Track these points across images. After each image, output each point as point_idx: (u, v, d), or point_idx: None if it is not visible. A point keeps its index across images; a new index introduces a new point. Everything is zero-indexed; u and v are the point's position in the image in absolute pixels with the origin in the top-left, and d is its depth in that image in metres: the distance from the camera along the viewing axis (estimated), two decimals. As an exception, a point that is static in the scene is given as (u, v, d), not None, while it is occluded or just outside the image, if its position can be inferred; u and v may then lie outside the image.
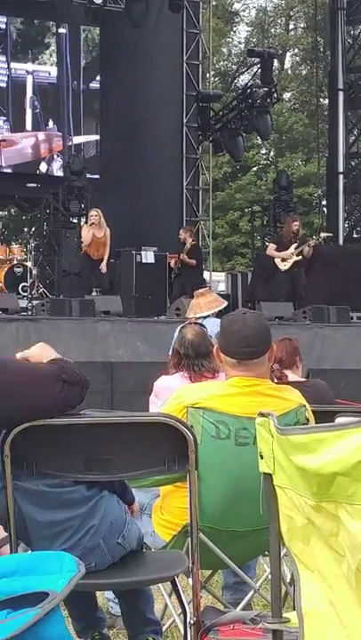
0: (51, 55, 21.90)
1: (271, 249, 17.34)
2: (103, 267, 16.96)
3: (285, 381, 5.61)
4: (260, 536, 3.75)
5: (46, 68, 21.81)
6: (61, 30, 21.60)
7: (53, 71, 21.74)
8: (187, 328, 5.92)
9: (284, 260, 16.87)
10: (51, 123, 21.52)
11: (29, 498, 3.34)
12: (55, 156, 21.56)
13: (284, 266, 16.86)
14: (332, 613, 2.23)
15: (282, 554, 2.54)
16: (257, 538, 3.94)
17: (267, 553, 4.28)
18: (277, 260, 16.95)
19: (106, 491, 3.50)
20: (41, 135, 21.38)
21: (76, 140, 21.66)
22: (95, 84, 22.07)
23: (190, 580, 3.63)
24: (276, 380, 5.50)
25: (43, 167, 21.48)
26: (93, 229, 16.70)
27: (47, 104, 21.51)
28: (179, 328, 6.05)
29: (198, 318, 10.25)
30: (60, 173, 21.26)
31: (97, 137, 22.16)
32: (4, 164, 20.70)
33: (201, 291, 11.74)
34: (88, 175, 19.87)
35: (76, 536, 3.39)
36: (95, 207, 17.56)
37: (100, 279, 17.53)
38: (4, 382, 3.15)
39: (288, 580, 3.90)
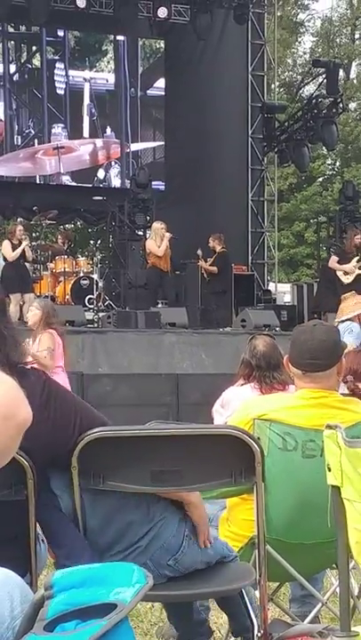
0: (108, 62, 22.06)
1: (333, 262, 17.31)
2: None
3: (358, 393, 5.55)
4: (328, 549, 3.73)
5: (104, 76, 21.94)
6: (119, 37, 21.69)
7: (111, 78, 21.86)
8: (258, 339, 5.86)
9: (346, 273, 16.82)
10: (108, 130, 21.65)
11: (95, 517, 3.35)
12: (113, 163, 21.70)
13: (346, 279, 16.79)
14: None
15: (350, 566, 2.53)
16: (324, 550, 3.91)
17: (334, 566, 4.25)
18: (340, 274, 16.90)
19: (168, 513, 3.47)
20: (99, 142, 21.52)
21: (134, 147, 21.78)
22: (152, 91, 22.16)
23: (258, 592, 3.61)
24: (348, 392, 5.46)
25: (100, 174, 21.62)
26: (162, 242, 16.90)
27: (104, 111, 21.63)
28: (249, 339, 6.00)
29: (343, 321, 10.25)
30: (117, 180, 21.49)
31: (154, 144, 22.26)
32: (62, 171, 20.91)
33: (345, 295, 11.63)
34: (153, 184, 19.98)
35: (121, 554, 3.39)
36: (158, 220, 17.69)
37: (166, 291, 17.60)
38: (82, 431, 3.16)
39: (356, 594, 3.87)
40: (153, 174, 20.20)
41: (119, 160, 21.63)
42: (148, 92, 22.03)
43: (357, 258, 16.85)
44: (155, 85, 22.22)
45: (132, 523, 3.35)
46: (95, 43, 22.16)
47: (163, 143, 22.25)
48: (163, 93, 22.22)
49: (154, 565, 3.39)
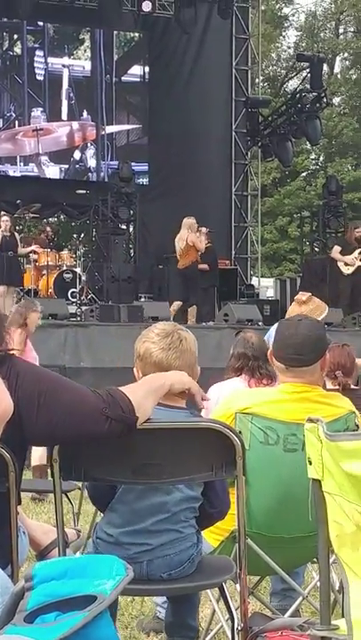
0: (85, 51, 22.99)
1: (336, 251, 17.53)
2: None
3: (348, 389, 5.52)
4: (309, 542, 3.74)
5: (81, 63, 22.82)
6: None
7: (87, 65, 22.59)
8: (248, 332, 5.87)
9: (347, 264, 17.09)
10: (85, 113, 22.26)
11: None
12: (89, 145, 22.27)
13: (347, 270, 17.10)
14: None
15: (331, 561, 2.53)
16: (305, 544, 3.92)
17: (315, 560, 4.26)
18: (340, 264, 17.19)
19: (189, 531, 3.53)
20: (75, 125, 22.12)
21: (109, 129, 22.30)
22: (127, 77, 22.74)
23: (238, 586, 3.61)
24: (335, 387, 5.44)
25: (77, 155, 22.19)
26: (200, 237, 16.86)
27: (82, 95, 22.23)
28: (236, 333, 5.99)
29: None
30: (93, 161, 22.01)
31: (128, 127, 22.93)
32: (41, 152, 21.44)
33: (303, 298, 11.19)
34: (133, 166, 20.13)
35: (131, 539, 3.43)
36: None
37: (173, 285, 17.68)
38: (53, 404, 3.11)
39: (337, 588, 3.87)
40: (129, 156, 20.62)
41: (95, 142, 22.14)
42: (122, 78, 22.63)
43: (359, 250, 17.10)
44: (129, 72, 22.85)
45: (160, 503, 3.43)
46: (73, 32, 22.96)
47: (136, 126, 22.88)
48: (137, 79, 22.83)
49: (147, 570, 3.42)
